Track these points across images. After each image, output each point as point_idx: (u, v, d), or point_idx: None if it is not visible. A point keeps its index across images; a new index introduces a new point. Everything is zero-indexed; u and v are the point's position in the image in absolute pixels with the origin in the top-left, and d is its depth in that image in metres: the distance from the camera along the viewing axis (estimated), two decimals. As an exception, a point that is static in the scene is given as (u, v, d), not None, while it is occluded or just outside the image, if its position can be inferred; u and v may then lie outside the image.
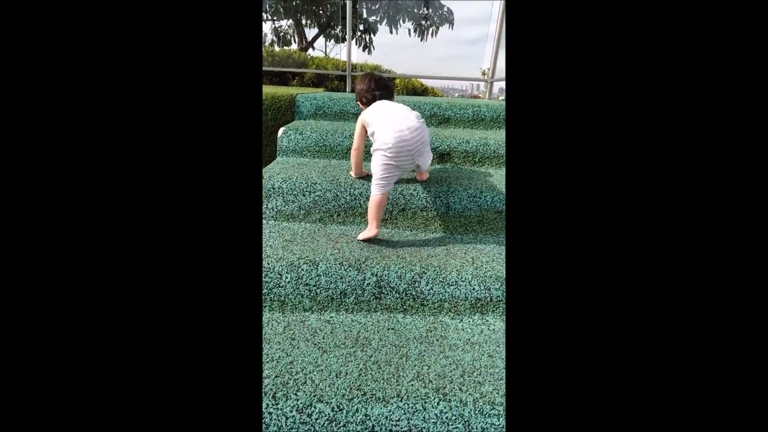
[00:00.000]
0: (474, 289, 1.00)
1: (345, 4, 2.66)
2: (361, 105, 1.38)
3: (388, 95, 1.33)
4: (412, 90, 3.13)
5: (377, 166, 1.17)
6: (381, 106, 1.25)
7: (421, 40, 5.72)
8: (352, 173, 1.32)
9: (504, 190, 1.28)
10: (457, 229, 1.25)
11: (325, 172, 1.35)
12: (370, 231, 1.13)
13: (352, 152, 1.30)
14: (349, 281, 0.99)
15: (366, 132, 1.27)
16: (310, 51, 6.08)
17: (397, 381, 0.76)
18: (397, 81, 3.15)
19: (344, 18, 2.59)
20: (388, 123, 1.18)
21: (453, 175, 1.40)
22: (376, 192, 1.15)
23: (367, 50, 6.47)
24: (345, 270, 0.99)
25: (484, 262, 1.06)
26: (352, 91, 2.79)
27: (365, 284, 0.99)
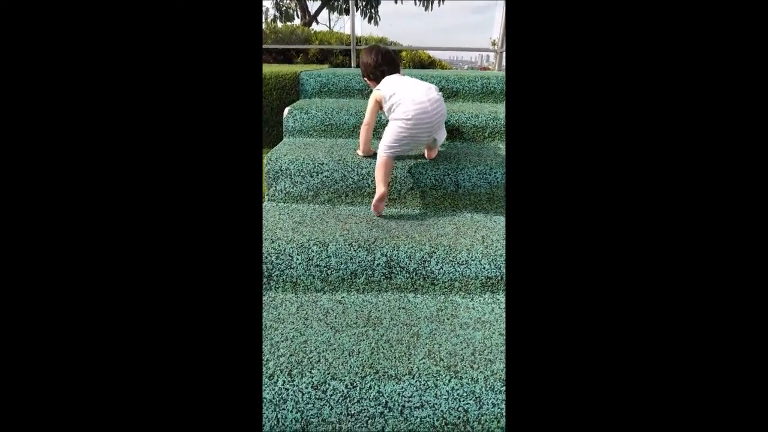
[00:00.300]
0: (484, 268, 0.99)
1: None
2: (368, 81, 1.34)
3: (395, 69, 1.30)
4: (419, 63, 3.01)
5: (390, 133, 1.17)
6: (395, 79, 1.23)
7: (426, 9, 5.47)
8: (359, 151, 1.30)
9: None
10: (467, 207, 1.23)
11: (332, 152, 1.33)
12: (378, 193, 1.13)
13: (363, 128, 1.28)
14: (359, 262, 0.99)
15: (379, 108, 1.25)
16: (314, 25, 5.87)
17: (408, 359, 0.77)
18: (404, 53, 3.03)
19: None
20: (408, 95, 1.17)
21: (462, 152, 1.36)
22: (382, 154, 1.17)
23: (372, 21, 6.23)
24: (355, 251, 0.99)
25: (495, 240, 1.04)
26: (358, 66, 2.71)
27: (375, 264, 0.99)
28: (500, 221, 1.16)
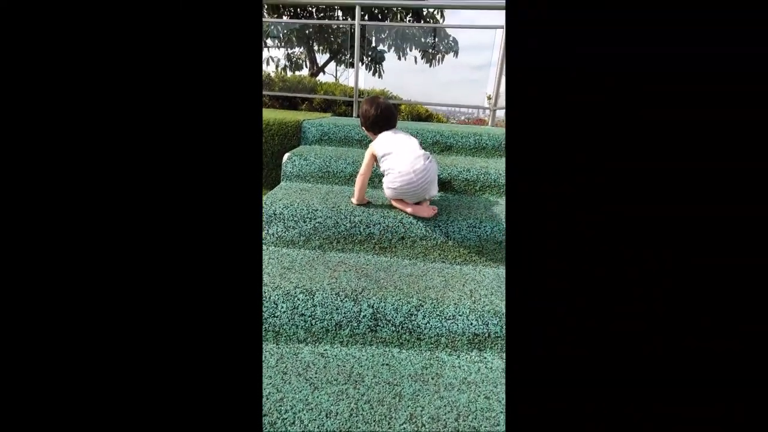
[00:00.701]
0: (471, 324, 0.98)
1: (354, 33, 2.76)
2: (365, 130, 1.41)
3: (392, 125, 1.38)
4: (417, 116, 3.19)
5: (385, 190, 1.30)
6: (389, 139, 1.31)
7: (430, 66, 5.92)
8: (354, 199, 1.34)
9: (504, 220, 1.27)
10: (456, 260, 1.24)
11: (327, 198, 1.37)
12: (412, 210, 1.29)
13: (358, 177, 1.33)
14: (344, 312, 0.98)
15: (374, 160, 1.33)
16: (321, 76, 6.31)
17: (389, 423, 0.73)
18: (402, 107, 3.22)
19: (352, 46, 2.70)
20: (396, 164, 1.25)
21: (453, 204, 1.40)
22: (388, 198, 1.33)
23: (377, 74, 6.69)
24: (341, 301, 0.98)
25: (483, 295, 1.04)
26: (359, 116, 2.86)
27: (361, 316, 0.98)
28: (488, 274, 1.16)
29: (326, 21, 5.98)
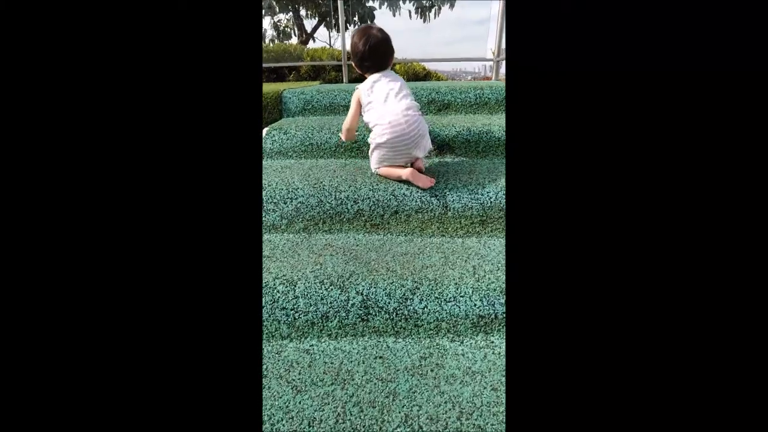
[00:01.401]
0: (476, 305, 0.86)
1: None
2: (357, 69, 1.23)
3: (382, 66, 1.17)
4: (414, 75, 2.93)
5: (374, 159, 1.16)
6: (377, 88, 1.14)
7: (424, 21, 5.46)
8: (342, 135, 1.24)
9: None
10: (457, 232, 1.10)
11: (309, 175, 1.23)
12: (406, 176, 1.13)
13: (344, 128, 1.22)
14: (331, 302, 0.87)
15: (360, 108, 1.19)
16: (311, 43, 5.92)
17: (380, 428, 0.64)
18: (398, 67, 2.96)
19: (336, 9, 2.43)
20: (384, 114, 1.09)
21: (452, 170, 1.24)
22: (374, 170, 1.18)
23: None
24: (326, 289, 0.88)
25: (488, 271, 0.91)
26: (350, 81, 2.64)
27: (350, 305, 0.87)
28: (494, 247, 1.03)
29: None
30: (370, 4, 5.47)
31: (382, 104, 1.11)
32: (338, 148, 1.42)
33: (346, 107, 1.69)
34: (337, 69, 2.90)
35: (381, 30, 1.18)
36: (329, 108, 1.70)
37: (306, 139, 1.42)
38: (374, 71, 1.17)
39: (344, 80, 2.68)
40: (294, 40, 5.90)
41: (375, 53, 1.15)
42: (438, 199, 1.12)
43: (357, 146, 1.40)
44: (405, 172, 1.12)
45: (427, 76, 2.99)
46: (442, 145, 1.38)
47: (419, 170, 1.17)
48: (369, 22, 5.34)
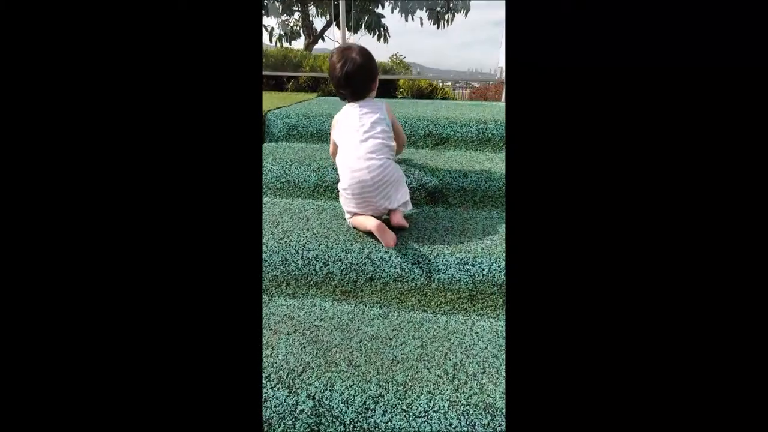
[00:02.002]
0: (451, 424, 0.70)
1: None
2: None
3: (356, 96, 1.01)
4: (418, 91, 2.76)
5: (343, 205, 1.03)
6: (346, 125, 1.00)
7: (438, 28, 5.26)
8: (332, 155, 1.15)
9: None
10: (441, 308, 0.94)
11: (278, 223, 1.08)
12: (372, 230, 0.96)
13: (331, 156, 1.16)
14: (275, 406, 0.72)
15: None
16: (322, 42, 5.75)
17: None
18: (401, 83, 2.79)
19: (337, 16, 2.28)
20: (346, 156, 0.97)
21: (441, 226, 1.08)
22: (347, 218, 1.04)
23: (382, 39, 6.06)
24: (272, 388, 0.72)
25: (470, 375, 0.75)
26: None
27: (298, 412, 0.71)
28: (483, 333, 0.86)
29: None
30: (379, 10, 5.30)
31: (347, 144, 0.98)
32: (317, 188, 1.26)
33: (335, 134, 1.54)
34: (337, 80, 2.75)
35: (362, 52, 1.00)
36: (315, 135, 1.55)
37: (282, 175, 1.27)
38: (351, 100, 1.02)
39: (343, 93, 2.53)
40: (302, 40, 5.76)
41: (351, 81, 0.99)
42: (420, 267, 0.96)
43: (330, 186, 1.24)
44: (372, 225, 0.96)
45: (433, 91, 2.82)
46: (434, 191, 1.22)
47: (398, 225, 1.01)
48: (381, 28, 5.17)
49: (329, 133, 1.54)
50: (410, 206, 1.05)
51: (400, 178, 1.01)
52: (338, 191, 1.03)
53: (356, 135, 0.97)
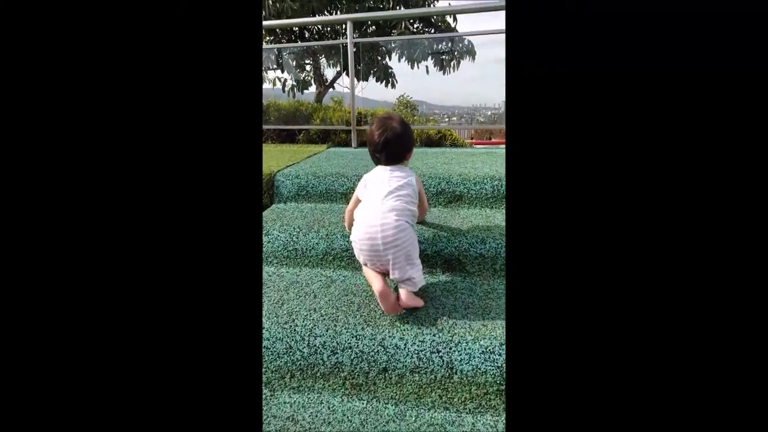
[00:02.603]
0: None
1: (347, 52, 2.43)
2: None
3: (390, 161, 1.05)
4: (427, 139, 2.77)
5: (356, 253, 1.01)
6: (373, 183, 1.02)
7: (444, 74, 5.46)
8: (345, 224, 1.18)
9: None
10: (465, 405, 0.82)
11: (282, 302, 1.00)
12: (376, 292, 0.92)
13: (345, 217, 1.17)
14: None
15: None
16: (331, 91, 6.00)
17: None
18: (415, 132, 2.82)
19: (346, 67, 2.35)
20: (366, 211, 0.97)
21: (461, 303, 0.98)
22: (363, 265, 1.01)
23: (389, 85, 6.30)
24: None
25: None
26: (360, 145, 2.51)
27: None
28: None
29: (318, 42, 5.65)
30: (386, 62, 5.56)
31: (370, 199, 1.00)
32: (326, 256, 1.19)
33: (343, 195, 1.51)
34: (346, 132, 2.79)
35: (402, 122, 1.08)
36: (324, 195, 1.51)
37: (289, 243, 1.21)
38: (384, 164, 1.06)
39: (353, 144, 2.55)
40: (313, 89, 6.02)
41: (388, 147, 1.04)
42: (440, 356, 0.85)
43: (349, 254, 1.17)
44: (376, 289, 0.91)
45: (441, 139, 2.83)
46: (450, 259, 1.13)
47: (407, 306, 0.92)
48: (390, 77, 5.38)
49: (339, 193, 1.51)
50: (421, 284, 0.96)
51: (414, 250, 0.94)
52: (350, 242, 1.03)
53: (381, 192, 0.98)
